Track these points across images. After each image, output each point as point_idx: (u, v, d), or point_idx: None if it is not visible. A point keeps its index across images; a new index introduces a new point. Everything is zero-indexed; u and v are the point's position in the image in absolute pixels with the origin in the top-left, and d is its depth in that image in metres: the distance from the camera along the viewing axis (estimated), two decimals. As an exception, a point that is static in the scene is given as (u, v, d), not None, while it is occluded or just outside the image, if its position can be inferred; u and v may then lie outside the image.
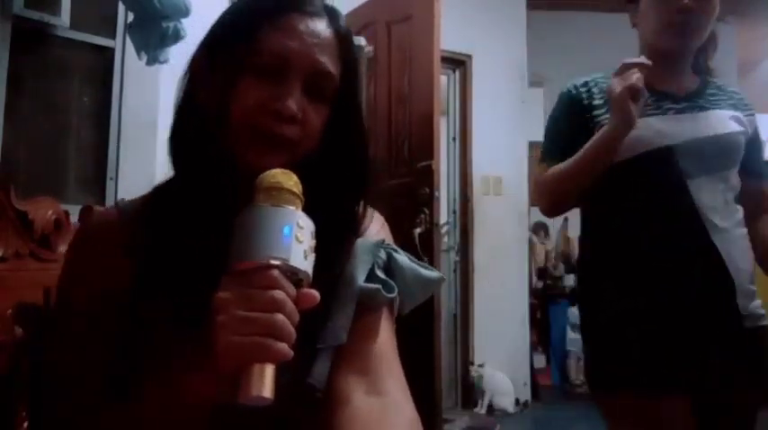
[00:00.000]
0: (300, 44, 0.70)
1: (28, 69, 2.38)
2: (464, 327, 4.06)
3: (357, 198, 0.79)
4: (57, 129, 2.50)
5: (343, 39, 0.75)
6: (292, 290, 0.57)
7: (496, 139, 4.15)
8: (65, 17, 2.39)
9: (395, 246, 0.80)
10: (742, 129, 1.33)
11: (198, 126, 0.72)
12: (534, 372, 4.43)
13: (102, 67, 2.59)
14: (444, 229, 3.80)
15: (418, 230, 2.68)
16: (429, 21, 2.76)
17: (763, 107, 1.43)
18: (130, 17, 2.38)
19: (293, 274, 0.57)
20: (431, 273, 0.80)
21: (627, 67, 1.23)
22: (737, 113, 1.35)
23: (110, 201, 2.49)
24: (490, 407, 3.93)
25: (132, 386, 0.65)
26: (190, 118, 0.74)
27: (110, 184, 2.56)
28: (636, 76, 1.20)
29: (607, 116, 1.28)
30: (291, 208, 0.58)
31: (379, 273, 0.76)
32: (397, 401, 0.69)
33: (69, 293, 0.73)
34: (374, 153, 2.39)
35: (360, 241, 0.77)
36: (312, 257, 0.59)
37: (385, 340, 0.74)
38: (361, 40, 2.78)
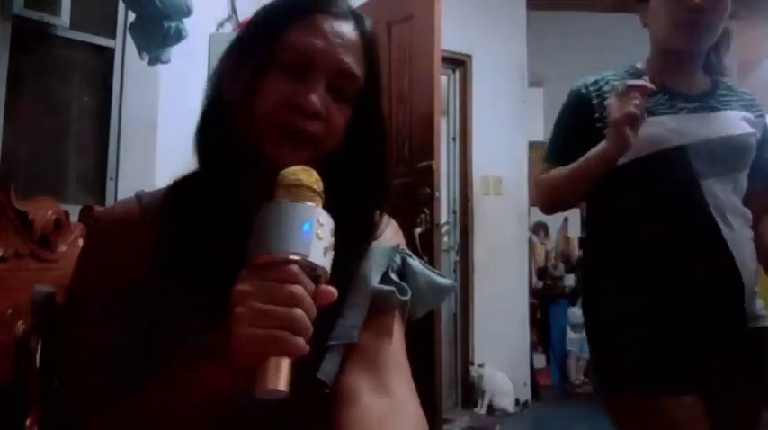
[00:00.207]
0: (326, 43, 0.71)
1: (28, 69, 2.37)
2: (464, 327, 4.06)
3: (377, 200, 0.80)
4: (57, 129, 2.49)
5: (368, 42, 0.76)
6: (311, 285, 0.57)
7: (496, 139, 4.14)
8: (65, 17, 2.38)
9: (409, 252, 0.81)
10: (753, 130, 1.33)
11: (224, 122, 0.73)
12: (534, 372, 4.43)
13: (102, 67, 2.58)
14: (444, 229, 3.80)
15: (418, 230, 2.69)
16: (429, 21, 2.76)
17: (763, 107, 1.42)
18: (131, 17, 2.38)
19: (312, 270, 0.57)
20: (444, 281, 0.81)
21: (630, 89, 1.20)
22: (749, 114, 1.34)
23: (110, 201, 2.49)
24: (490, 407, 3.93)
25: (147, 378, 0.65)
26: (216, 113, 0.74)
27: (110, 184, 2.55)
28: (636, 103, 1.18)
29: None
30: (312, 204, 0.59)
31: (393, 277, 0.77)
32: (405, 402, 0.70)
33: (86, 285, 0.73)
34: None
35: (375, 244, 0.78)
36: (331, 255, 0.59)
37: (395, 341, 0.75)
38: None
